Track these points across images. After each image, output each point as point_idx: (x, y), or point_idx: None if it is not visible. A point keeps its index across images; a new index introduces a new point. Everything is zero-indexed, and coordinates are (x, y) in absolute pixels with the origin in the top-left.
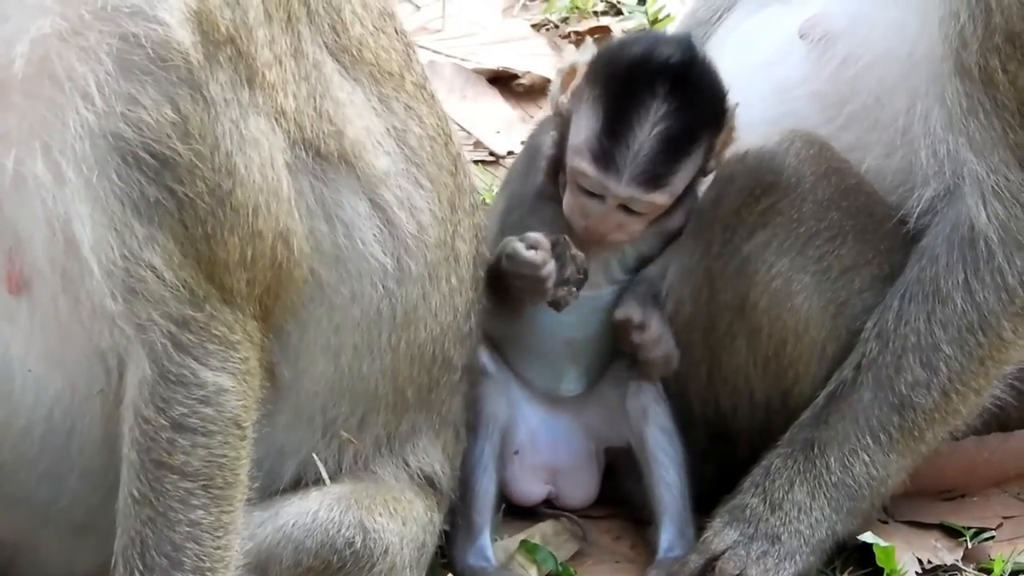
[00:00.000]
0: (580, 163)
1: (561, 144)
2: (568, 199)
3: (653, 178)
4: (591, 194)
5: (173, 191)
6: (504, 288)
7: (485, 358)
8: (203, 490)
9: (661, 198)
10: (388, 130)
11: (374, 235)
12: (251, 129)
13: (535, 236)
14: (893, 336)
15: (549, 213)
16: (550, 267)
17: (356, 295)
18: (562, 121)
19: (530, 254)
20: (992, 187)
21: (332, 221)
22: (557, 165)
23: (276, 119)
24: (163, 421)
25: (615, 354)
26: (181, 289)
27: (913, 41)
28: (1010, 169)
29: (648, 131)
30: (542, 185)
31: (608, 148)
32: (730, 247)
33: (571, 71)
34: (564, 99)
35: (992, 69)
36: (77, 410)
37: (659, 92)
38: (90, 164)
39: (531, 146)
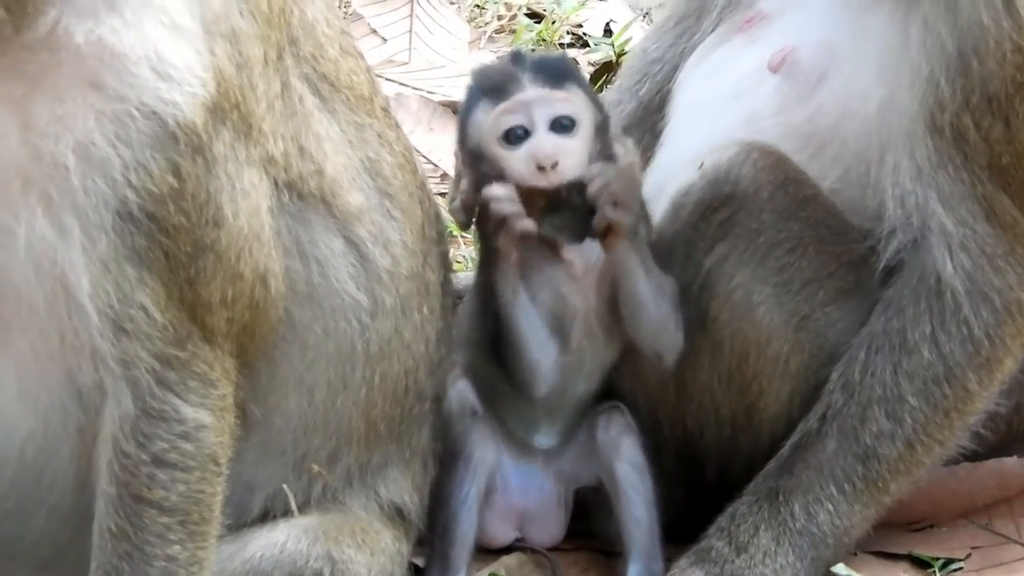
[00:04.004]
0: (496, 109)
1: (478, 180)
2: (513, 160)
3: (551, 73)
4: (519, 137)
5: (161, 243)
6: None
7: (473, 399)
8: (180, 525)
9: (571, 95)
10: (362, 161)
11: (348, 272)
12: (243, 181)
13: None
14: (859, 387)
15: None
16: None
17: (330, 331)
18: (470, 169)
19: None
20: (959, 239)
21: (307, 260)
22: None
23: (265, 167)
24: (144, 456)
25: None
26: (167, 328)
27: (883, 96)
28: (977, 222)
29: (527, 59)
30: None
31: (503, 74)
32: (692, 263)
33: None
34: (463, 182)
35: (965, 127)
36: (50, 448)
37: (511, 57)
38: (91, 220)
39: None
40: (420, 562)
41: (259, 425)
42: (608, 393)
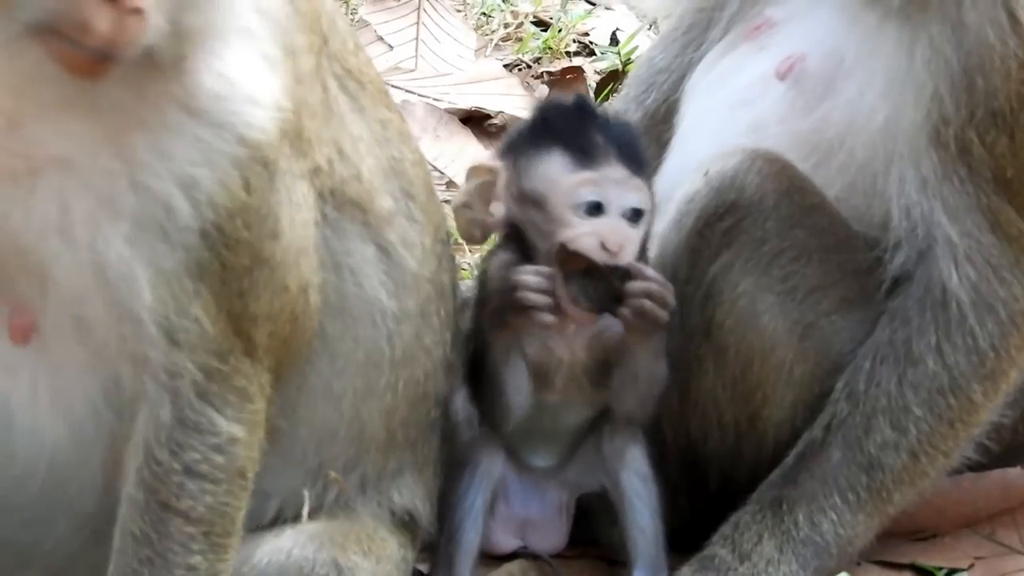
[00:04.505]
0: (578, 175)
1: (522, 252)
2: (579, 229)
3: (636, 157)
4: (590, 211)
5: (221, 256)
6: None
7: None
8: (204, 536)
9: (646, 185)
10: (388, 161)
11: (379, 279)
12: (297, 193)
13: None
14: (863, 397)
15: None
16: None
17: (360, 339)
18: (507, 230)
19: (535, 278)
20: (965, 251)
21: (341, 270)
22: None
23: (311, 178)
24: (175, 465)
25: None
26: (214, 341)
27: (889, 109)
28: (982, 233)
29: (614, 128)
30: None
31: (590, 137)
32: (697, 271)
33: (486, 174)
34: (495, 206)
35: (969, 140)
36: (81, 456)
37: (587, 108)
38: (167, 235)
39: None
40: (424, 568)
41: (283, 436)
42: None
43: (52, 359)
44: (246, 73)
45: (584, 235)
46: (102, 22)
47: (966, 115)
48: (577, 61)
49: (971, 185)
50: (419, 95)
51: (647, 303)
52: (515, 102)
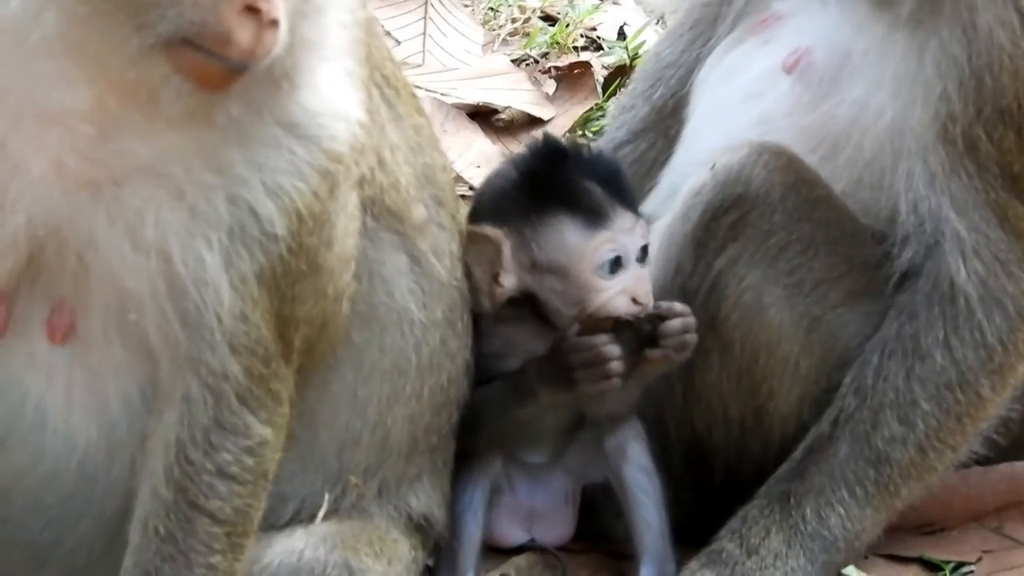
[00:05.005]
0: (595, 239)
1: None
2: (608, 291)
3: (631, 198)
4: (612, 268)
5: (284, 260)
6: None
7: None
8: (226, 536)
9: (644, 221)
10: (422, 168)
11: (410, 288)
12: (350, 204)
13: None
14: (871, 392)
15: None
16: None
17: (387, 348)
18: (524, 296)
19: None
20: (972, 246)
21: (372, 279)
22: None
23: (358, 189)
24: (208, 466)
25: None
26: (262, 344)
27: (896, 106)
28: (990, 228)
29: (589, 166)
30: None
31: (590, 195)
32: (702, 264)
33: (484, 241)
34: (506, 278)
35: (977, 137)
36: (112, 456)
37: (565, 153)
38: (247, 242)
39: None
40: (430, 562)
41: (302, 441)
42: None
43: (89, 360)
44: (334, 88)
45: (615, 297)
46: (244, 34)
47: (974, 112)
48: (584, 56)
49: (979, 180)
50: (426, 90)
51: (689, 337)
52: (522, 97)
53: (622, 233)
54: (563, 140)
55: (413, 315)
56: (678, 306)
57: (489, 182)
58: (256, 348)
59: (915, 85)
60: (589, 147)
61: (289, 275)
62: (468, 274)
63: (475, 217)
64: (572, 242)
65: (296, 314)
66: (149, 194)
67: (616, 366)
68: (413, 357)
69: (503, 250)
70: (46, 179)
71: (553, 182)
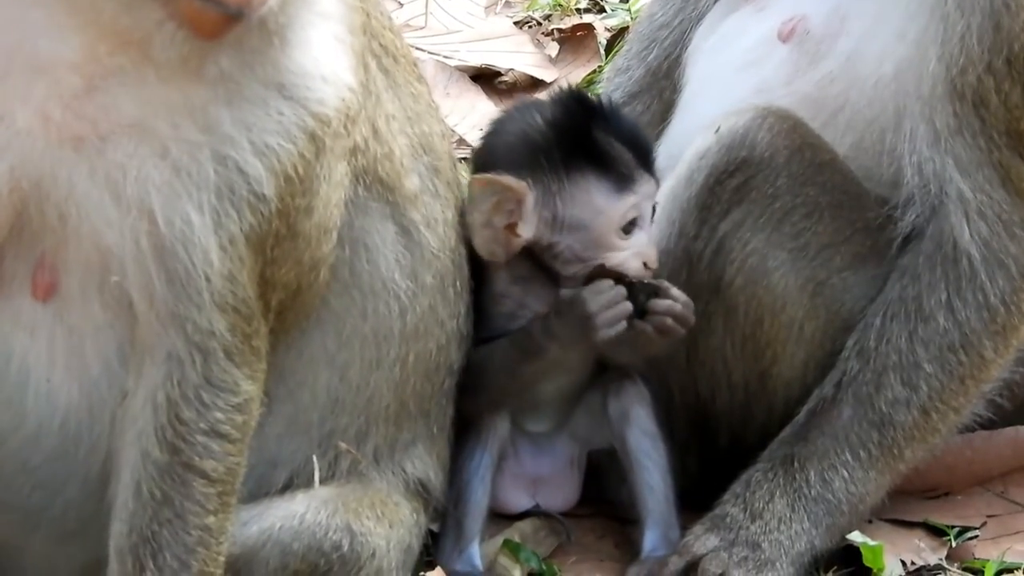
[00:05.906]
0: (625, 201)
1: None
2: (625, 251)
3: (651, 158)
4: (629, 229)
5: (271, 222)
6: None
7: None
8: (218, 496)
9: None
10: (419, 138)
11: (396, 259)
12: (337, 173)
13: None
14: (874, 354)
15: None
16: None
17: (368, 314)
18: (548, 228)
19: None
20: (976, 206)
21: (356, 247)
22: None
23: (349, 159)
24: (202, 425)
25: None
26: (247, 303)
27: (902, 58)
28: (994, 188)
29: (617, 126)
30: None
31: (620, 154)
32: (706, 227)
33: (504, 191)
34: (524, 228)
35: (986, 90)
36: (94, 416)
37: (594, 108)
38: (237, 203)
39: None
40: (435, 527)
41: (284, 401)
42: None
43: (70, 317)
44: (324, 51)
45: (630, 258)
46: None
47: (987, 61)
48: (587, 18)
49: (983, 139)
50: (429, 52)
51: (669, 321)
52: (525, 59)
53: (645, 198)
54: (589, 95)
55: (398, 283)
56: (675, 291)
57: (505, 130)
58: (240, 307)
59: (930, 24)
60: (611, 102)
61: (272, 236)
62: (486, 224)
63: (488, 164)
64: (599, 202)
65: (276, 276)
66: (132, 149)
67: (629, 306)
68: (397, 324)
69: (526, 201)
70: (31, 130)
71: (586, 141)
